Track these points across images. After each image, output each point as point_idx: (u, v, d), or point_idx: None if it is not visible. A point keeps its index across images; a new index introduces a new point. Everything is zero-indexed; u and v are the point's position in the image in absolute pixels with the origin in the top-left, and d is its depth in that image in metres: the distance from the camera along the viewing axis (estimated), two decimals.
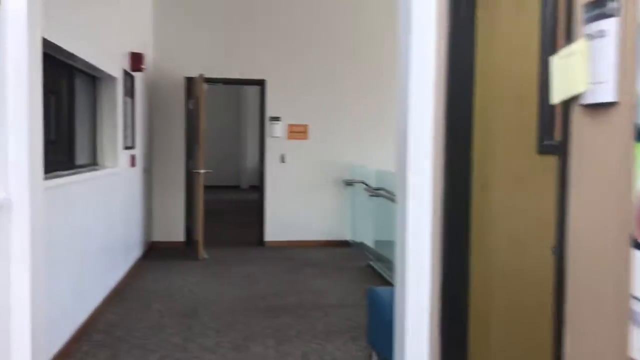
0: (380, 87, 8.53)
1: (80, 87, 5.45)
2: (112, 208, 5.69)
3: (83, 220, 4.74)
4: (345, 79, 8.46)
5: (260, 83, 8.33)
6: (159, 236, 8.18)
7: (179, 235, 8.23)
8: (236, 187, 17.33)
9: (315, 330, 4.72)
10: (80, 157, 5.40)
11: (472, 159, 2.48)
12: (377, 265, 6.91)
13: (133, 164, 6.58)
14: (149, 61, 7.70)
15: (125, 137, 6.12)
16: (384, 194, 7.04)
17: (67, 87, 4.84)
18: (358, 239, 8.40)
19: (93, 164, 5.63)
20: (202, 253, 7.39)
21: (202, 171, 7.30)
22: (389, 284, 5.56)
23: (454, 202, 2.48)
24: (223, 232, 9.78)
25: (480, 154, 2.49)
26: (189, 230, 8.20)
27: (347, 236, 8.51)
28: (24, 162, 2.63)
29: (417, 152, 2.55)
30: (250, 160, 17.52)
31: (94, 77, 5.64)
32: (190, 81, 8.12)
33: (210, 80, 7.84)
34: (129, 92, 6.43)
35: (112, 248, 5.69)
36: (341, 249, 8.27)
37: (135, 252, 6.88)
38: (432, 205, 2.56)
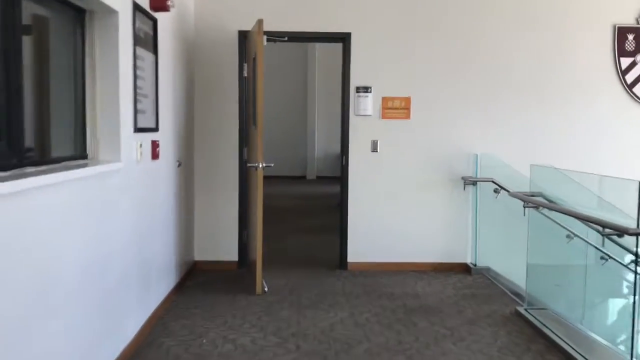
0: (529, 43, 5.91)
1: (57, 24, 3.15)
2: (112, 224, 3.41)
3: (53, 250, 2.49)
4: (472, 30, 5.88)
5: (343, 38, 5.86)
6: (203, 254, 5.90)
7: (230, 253, 5.92)
8: (301, 178, 15.00)
9: None
10: (57, 146, 3.14)
11: None
12: (534, 316, 4.35)
13: (155, 154, 4.27)
14: (188, 4, 5.38)
15: (137, 112, 3.80)
16: (544, 202, 4.47)
17: (34, 26, 2.54)
18: (483, 263, 5.84)
19: (79, 156, 3.35)
20: (261, 285, 5.04)
21: (260, 165, 4.91)
22: None
23: None
24: (287, 242, 7.41)
25: None
26: (244, 246, 5.89)
27: (467, 258, 5.97)
28: None
29: None
30: (320, 145, 15.10)
31: (80, 11, 3.34)
32: (245, 37, 5.75)
33: (272, 35, 5.43)
34: (148, 42, 4.10)
35: (115, 289, 3.42)
36: (459, 276, 5.74)
37: (163, 285, 4.61)
38: None
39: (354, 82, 5.84)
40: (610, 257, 4.11)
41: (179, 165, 5.12)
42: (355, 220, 5.92)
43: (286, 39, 5.63)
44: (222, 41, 5.78)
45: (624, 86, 6.05)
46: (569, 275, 4.54)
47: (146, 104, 4.05)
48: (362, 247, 5.92)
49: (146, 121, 4.06)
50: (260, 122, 4.97)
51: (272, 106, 14.68)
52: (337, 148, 15.17)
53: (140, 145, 3.90)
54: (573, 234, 4.16)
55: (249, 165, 5.29)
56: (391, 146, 5.88)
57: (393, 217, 5.92)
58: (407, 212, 5.93)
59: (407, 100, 5.85)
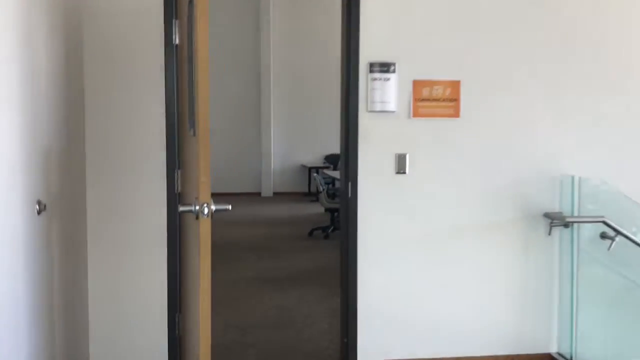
0: None
1: None
2: None
3: None
4: None
5: None
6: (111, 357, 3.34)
7: (154, 355, 3.37)
8: (254, 196, 12.42)
9: None
10: None
11: None
12: None
13: None
14: None
15: None
16: None
17: None
18: (583, 355, 3.51)
19: None
20: None
21: (206, 209, 2.36)
22: None
23: None
24: (246, 314, 4.89)
25: None
26: (176, 341, 3.35)
27: (552, 346, 3.62)
28: None
29: None
30: (278, 151, 12.49)
31: None
32: None
33: None
34: None
35: None
36: None
37: None
38: None
39: (367, 54, 3.40)
40: None
41: (40, 211, 2.54)
42: (368, 292, 3.48)
43: None
44: None
45: None
46: None
47: None
48: (381, 337, 3.49)
49: None
50: (203, 125, 2.45)
51: (211, 98, 12.06)
52: (299, 156, 12.72)
53: None
54: None
55: (182, 209, 2.74)
56: (429, 163, 3.48)
57: (432, 286, 3.52)
58: (454, 276, 3.54)
59: (456, 86, 3.46)
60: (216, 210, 2.44)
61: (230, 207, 2.50)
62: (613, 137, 3.60)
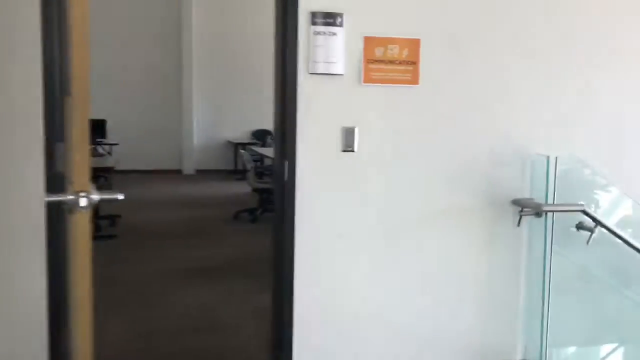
0: None
1: None
2: None
3: None
4: None
5: None
6: None
7: None
8: (176, 173, 11.52)
9: None
10: None
11: None
12: None
13: None
14: None
15: None
16: None
17: None
18: None
19: None
20: None
21: (82, 198, 1.63)
22: None
23: None
24: (166, 311, 4.16)
25: None
26: (63, 356, 2.60)
27: (517, 353, 3.12)
28: None
29: None
30: (202, 126, 11.60)
31: None
32: None
33: None
34: None
35: None
36: None
37: None
38: None
39: (308, 2, 2.72)
40: None
41: None
42: (307, 292, 2.85)
43: None
44: None
45: None
46: None
47: None
48: (321, 346, 2.88)
49: None
50: (82, 83, 1.70)
51: (121, 59, 10.99)
52: (224, 131, 11.90)
53: None
54: None
55: (49, 199, 1.98)
56: (382, 139, 2.86)
57: (382, 285, 2.93)
58: (408, 274, 2.96)
59: (415, 46, 2.85)
60: (102, 201, 1.71)
61: (121, 196, 1.77)
62: (598, 113, 3.11)
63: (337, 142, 2.80)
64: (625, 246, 2.86)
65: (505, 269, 3.07)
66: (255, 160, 8.19)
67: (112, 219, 6.93)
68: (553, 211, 2.90)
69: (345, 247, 2.87)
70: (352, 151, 2.81)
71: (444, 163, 2.94)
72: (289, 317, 2.84)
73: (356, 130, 2.81)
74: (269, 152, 8.24)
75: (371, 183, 2.87)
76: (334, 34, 2.75)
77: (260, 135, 11.60)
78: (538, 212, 2.94)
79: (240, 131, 11.73)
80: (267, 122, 10.80)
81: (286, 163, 2.78)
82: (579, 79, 3.05)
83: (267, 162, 8.78)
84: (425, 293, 2.99)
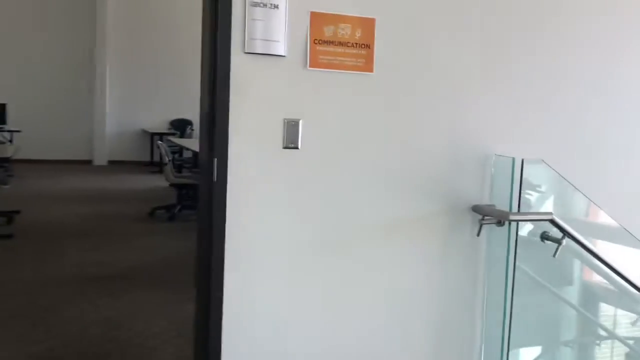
0: None
1: None
2: None
3: None
4: None
5: None
6: None
7: None
8: (86, 164, 10.62)
9: None
10: None
11: None
12: None
13: None
14: None
15: None
16: None
17: None
18: None
19: None
20: None
21: None
22: None
23: None
24: (55, 320, 3.56)
25: None
26: None
27: None
28: None
29: None
30: (115, 113, 10.74)
31: None
32: None
33: None
34: None
35: None
36: None
37: None
38: None
39: None
40: None
41: None
42: (237, 312, 2.38)
43: None
44: None
45: None
46: None
47: None
48: None
49: None
50: None
51: (25, 36, 10.02)
52: (139, 120, 11.12)
53: None
54: None
55: None
56: (330, 135, 2.43)
57: (323, 305, 2.52)
58: (353, 293, 2.56)
59: (370, 26, 2.43)
60: None
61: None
62: (568, 108, 2.82)
63: (277, 137, 2.34)
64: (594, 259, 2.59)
65: (464, 288, 2.73)
66: (173, 152, 7.58)
67: (9, 215, 6.15)
68: (519, 220, 2.59)
69: (284, 261, 2.42)
70: (296, 148, 2.37)
71: (397, 165, 2.55)
72: (215, 345, 2.37)
73: (300, 123, 2.36)
74: (188, 143, 7.65)
75: (317, 187, 2.43)
76: (276, 6, 2.29)
77: (179, 125, 10.91)
78: (499, 221, 2.62)
79: (157, 120, 10.98)
80: (187, 111, 10.16)
81: (215, 160, 2.29)
82: (547, 70, 2.75)
83: (187, 154, 8.17)
84: (374, 311, 2.60)
